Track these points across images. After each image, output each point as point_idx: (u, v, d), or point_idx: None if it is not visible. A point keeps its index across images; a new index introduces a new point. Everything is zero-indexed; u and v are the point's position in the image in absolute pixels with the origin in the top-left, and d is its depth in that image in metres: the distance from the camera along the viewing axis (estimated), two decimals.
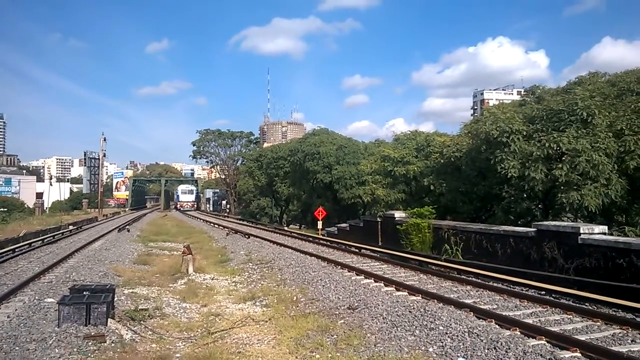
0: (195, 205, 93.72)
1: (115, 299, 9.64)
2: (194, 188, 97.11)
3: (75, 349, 7.10)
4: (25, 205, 76.68)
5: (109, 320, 8.35)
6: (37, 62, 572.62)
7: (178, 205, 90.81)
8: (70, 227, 34.35)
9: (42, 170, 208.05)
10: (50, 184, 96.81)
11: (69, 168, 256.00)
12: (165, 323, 9.49)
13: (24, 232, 28.07)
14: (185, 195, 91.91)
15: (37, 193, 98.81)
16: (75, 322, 7.99)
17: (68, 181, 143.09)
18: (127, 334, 8.25)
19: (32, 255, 18.45)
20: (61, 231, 30.47)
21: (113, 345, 7.54)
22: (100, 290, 9.05)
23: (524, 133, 16.78)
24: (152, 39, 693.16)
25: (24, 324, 8.26)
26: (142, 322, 9.17)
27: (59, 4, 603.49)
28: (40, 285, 12.04)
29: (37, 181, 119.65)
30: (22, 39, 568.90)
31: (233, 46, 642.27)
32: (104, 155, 70.28)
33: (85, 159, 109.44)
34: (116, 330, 8.17)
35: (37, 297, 10.42)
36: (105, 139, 65.47)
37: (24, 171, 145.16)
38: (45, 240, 23.96)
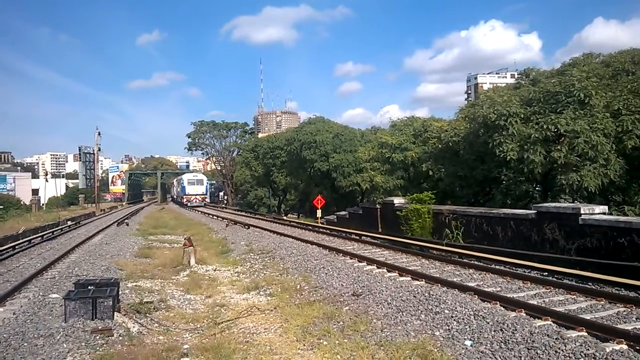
0: (207, 199, 71.35)
1: (120, 292, 9.64)
2: (203, 177, 73.43)
3: (83, 344, 7.11)
4: (22, 202, 76.31)
5: (115, 313, 8.37)
6: (27, 58, 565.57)
7: (184, 200, 67.83)
8: (69, 223, 34.25)
9: (36, 167, 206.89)
10: (46, 180, 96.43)
11: (64, 164, 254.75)
12: (170, 315, 9.52)
13: (22, 228, 27.99)
14: (192, 186, 68.54)
15: (32, 189, 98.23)
16: (82, 317, 8.00)
17: (63, 177, 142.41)
18: (133, 326, 8.27)
19: (33, 251, 18.41)
20: (60, 227, 30.40)
21: (121, 338, 7.56)
22: (104, 284, 9.05)
23: (522, 116, 16.79)
24: (142, 31, 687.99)
25: (31, 320, 8.27)
26: (147, 314, 9.19)
27: None
28: (44, 281, 12.03)
29: (32, 178, 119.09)
30: (13, 35, 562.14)
31: (224, 36, 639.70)
32: (99, 150, 69.62)
33: (79, 154, 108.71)
34: (123, 324, 8.18)
35: (41, 293, 10.41)
36: (99, 134, 64.77)
37: (19, 168, 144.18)
38: (45, 236, 23.90)
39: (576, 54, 23.02)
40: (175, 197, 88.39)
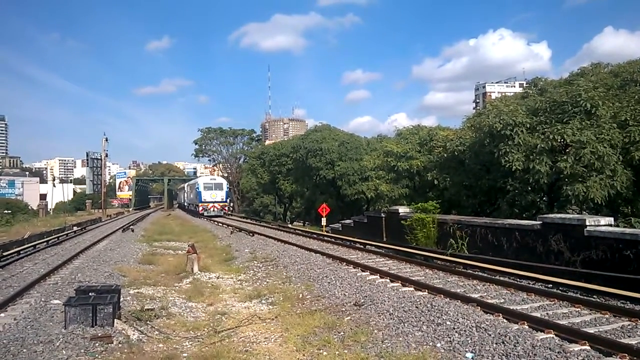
0: (227, 208, 55.54)
1: (121, 299, 9.62)
2: (222, 181, 58.57)
3: (82, 351, 7.09)
4: (29, 207, 76.85)
5: (116, 320, 8.34)
6: (37, 64, 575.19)
7: (200, 208, 53.05)
8: (75, 228, 34.34)
9: (44, 172, 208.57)
10: (54, 185, 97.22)
11: (72, 169, 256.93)
12: (171, 323, 9.48)
13: (28, 233, 28.09)
14: (210, 191, 53.78)
15: (40, 194, 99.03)
16: (82, 324, 7.99)
17: (71, 182, 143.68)
18: (133, 334, 8.24)
19: (37, 256, 18.45)
20: (65, 232, 30.48)
21: (120, 345, 7.53)
22: (106, 291, 9.04)
23: (528, 125, 16.71)
24: (152, 38, 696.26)
25: (31, 326, 8.25)
26: (148, 322, 9.16)
27: (58, 4, 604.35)
28: (46, 287, 12.04)
29: (40, 182, 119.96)
30: (22, 41, 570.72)
31: (233, 43, 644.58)
32: (107, 156, 70.00)
33: (87, 160, 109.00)
34: (123, 331, 8.16)
35: (43, 299, 10.42)
36: (107, 139, 65.21)
37: (27, 173, 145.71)
38: (50, 241, 23.97)
39: (585, 64, 22.86)
40: (186, 204, 73.53)
